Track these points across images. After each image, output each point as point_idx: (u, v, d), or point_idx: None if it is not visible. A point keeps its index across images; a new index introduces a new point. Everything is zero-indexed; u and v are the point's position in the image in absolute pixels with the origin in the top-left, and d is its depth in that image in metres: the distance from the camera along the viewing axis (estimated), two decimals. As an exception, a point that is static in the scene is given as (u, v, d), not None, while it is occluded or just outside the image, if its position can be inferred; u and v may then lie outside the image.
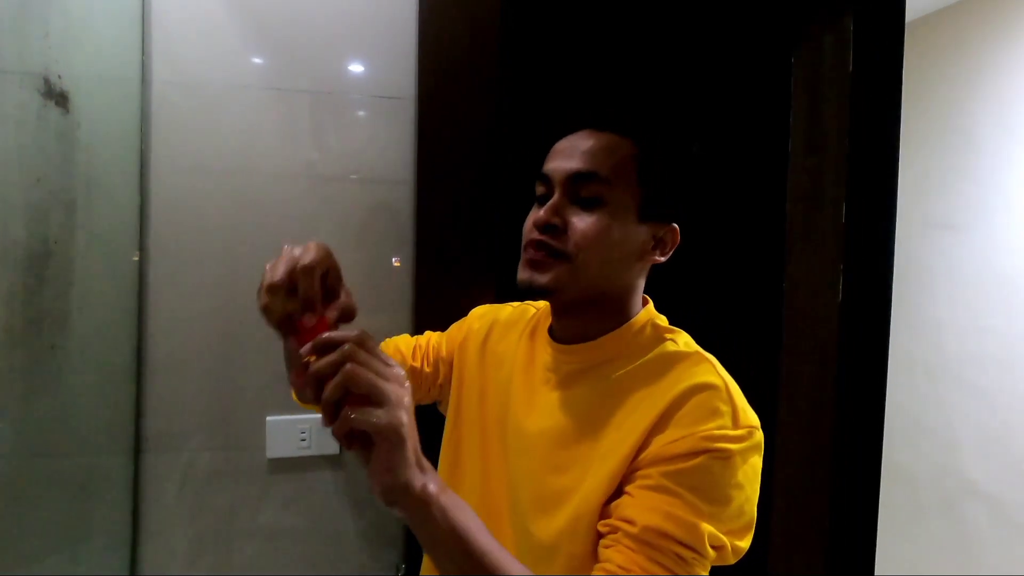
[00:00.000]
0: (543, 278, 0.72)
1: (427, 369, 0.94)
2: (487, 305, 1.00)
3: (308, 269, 0.57)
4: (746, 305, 1.29)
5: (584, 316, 0.76)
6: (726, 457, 0.63)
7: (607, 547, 0.64)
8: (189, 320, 1.14)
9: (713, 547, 0.62)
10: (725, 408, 0.65)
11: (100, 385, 1.09)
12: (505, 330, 0.90)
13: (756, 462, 0.66)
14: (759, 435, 0.66)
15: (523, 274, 0.74)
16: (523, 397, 0.79)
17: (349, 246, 1.19)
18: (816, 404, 1.23)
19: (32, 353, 0.98)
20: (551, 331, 0.82)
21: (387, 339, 1.01)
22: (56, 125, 0.96)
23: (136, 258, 1.10)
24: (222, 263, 1.15)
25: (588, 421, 0.71)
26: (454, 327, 0.99)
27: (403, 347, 0.97)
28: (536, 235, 0.73)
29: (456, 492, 0.61)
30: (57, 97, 0.95)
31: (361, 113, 1.19)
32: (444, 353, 0.95)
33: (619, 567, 0.61)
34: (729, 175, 1.31)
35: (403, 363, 0.95)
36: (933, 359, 2.28)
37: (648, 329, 0.76)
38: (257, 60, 1.15)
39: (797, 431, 1.26)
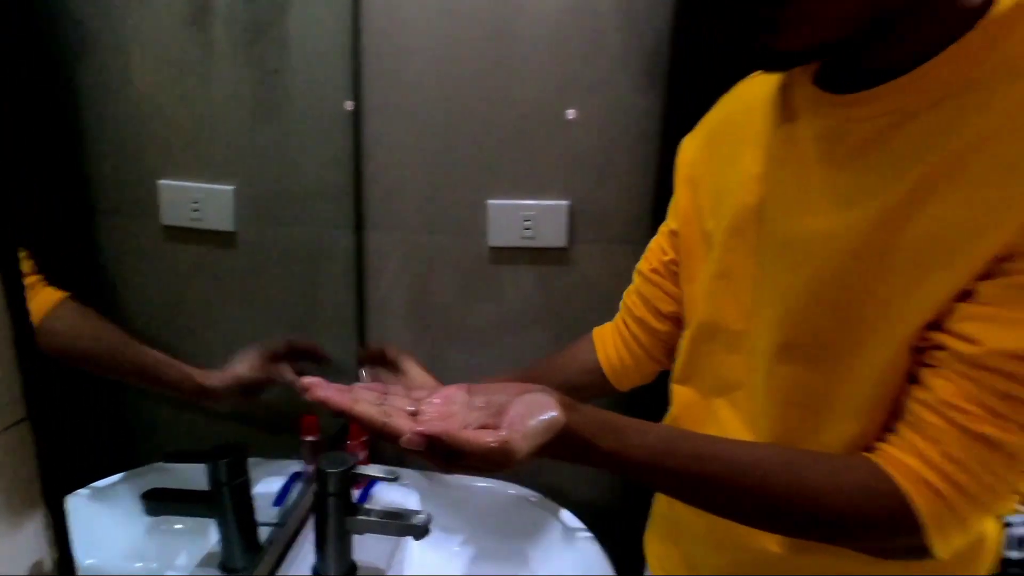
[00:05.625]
0: (788, 38, 0.46)
1: (671, 257, 0.71)
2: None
3: None
4: None
5: (877, 40, 0.46)
6: None
7: (928, 367, 0.46)
8: (407, 90, 1.04)
9: None
10: None
11: (320, 132, 1.04)
12: (727, 124, 0.63)
13: None
14: None
15: (751, 40, 0.48)
16: (787, 194, 0.54)
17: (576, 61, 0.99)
18: None
19: (255, 75, 0.94)
20: (821, 78, 0.53)
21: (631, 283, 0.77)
22: None
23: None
24: (442, 32, 1.01)
25: (908, 207, 0.45)
26: (673, 197, 0.71)
27: (640, 264, 0.74)
28: None
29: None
30: None
31: None
32: (676, 226, 0.68)
33: (945, 402, 0.44)
34: None
35: (641, 285, 0.74)
36: None
37: (1022, 24, 0.43)
38: None
39: None
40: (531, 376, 0.75)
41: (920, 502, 0.44)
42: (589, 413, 0.47)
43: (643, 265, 0.74)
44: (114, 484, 0.96)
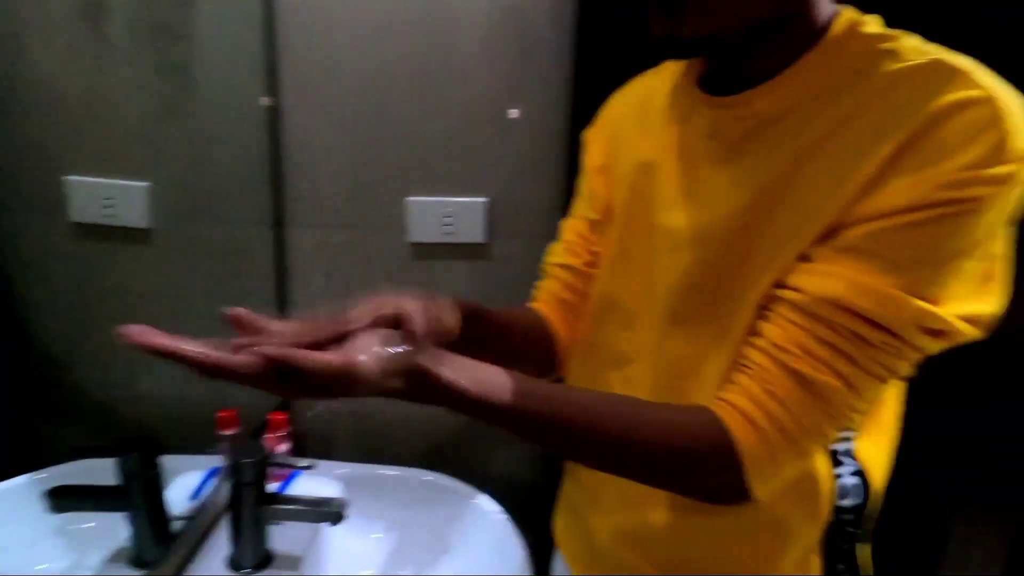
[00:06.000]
0: (691, 23, 0.50)
1: (598, 248, 0.73)
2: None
3: None
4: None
5: (749, 49, 0.54)
6: (972, 209, 0.44)
7: (763, 319, 0.51)
8: (326, 86, 1.04)
9: (928, 330, 0.46)
10: (988, 133, 0.43)
11: (236, 128, 1.03)
12: (626, 117, 0.69)
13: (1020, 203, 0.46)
14: None
15: (658, 26, 0.52)
16: (675, 185, 0.60)
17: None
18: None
19: (159, 71, 0.93)
20: (702, 81, 0.60)
21: (546, 259, 0.78)
22: None
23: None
24: (361, 28, 1.02)
25: (774, 195, 0.52)
26: (583, 183, 0.75)
27: (565, 259, 0.75)
28: None
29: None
30: None
31: None
32: (598, 215, 0.72)
33: (773, 344, 0.49)
34: None
35: (575, 280, 0.74)
36: None
37: (852, 43, 0.52)
38: None
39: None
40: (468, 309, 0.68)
41: (740, 435, 0.49)
42: (444, 353, 0.48)
43: (573, 260, 0.74)
44: (17, 486, 0.93)
